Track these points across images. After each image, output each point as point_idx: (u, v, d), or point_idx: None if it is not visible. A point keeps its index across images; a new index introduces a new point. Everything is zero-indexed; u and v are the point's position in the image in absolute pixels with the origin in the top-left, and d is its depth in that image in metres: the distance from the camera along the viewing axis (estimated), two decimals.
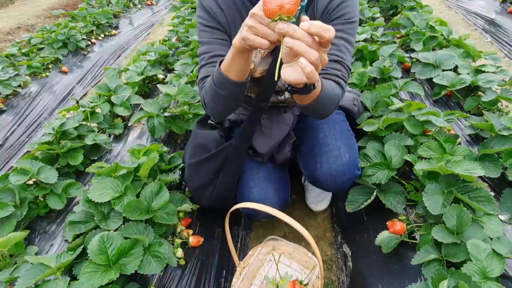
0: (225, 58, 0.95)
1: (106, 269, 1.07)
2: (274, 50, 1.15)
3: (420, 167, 1.26)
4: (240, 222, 1.69)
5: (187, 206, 1.40)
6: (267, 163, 1.38)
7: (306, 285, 1.30)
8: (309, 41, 0.62)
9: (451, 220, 1.10)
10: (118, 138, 2.01)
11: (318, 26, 0.61)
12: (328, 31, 0.61)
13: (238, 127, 1.41)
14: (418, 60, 2.03)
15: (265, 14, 0.64)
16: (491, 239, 1.08)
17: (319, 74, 0.85)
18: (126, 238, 1.16)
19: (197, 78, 2.22)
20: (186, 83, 2.06)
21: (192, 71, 2.25)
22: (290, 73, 0.69)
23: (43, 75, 3.08)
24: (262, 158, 1.35)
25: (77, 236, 1.32)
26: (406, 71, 2.18)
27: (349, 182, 1.32)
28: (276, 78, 0.71)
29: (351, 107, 1.55)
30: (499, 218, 1.28)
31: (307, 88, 0.82)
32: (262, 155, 1.33)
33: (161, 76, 2.46)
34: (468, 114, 1.48)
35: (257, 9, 0.71)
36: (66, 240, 1.42)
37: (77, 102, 1.95)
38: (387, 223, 1.33)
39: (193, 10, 3.44)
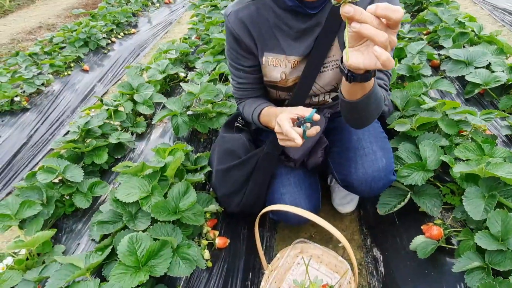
0: (266, 118, 1.18)
1: (135, 270, 1.06)
2: (305, 58, 1.14)
3: (458, 170, 1.20)
4: (265, 224, 1.65)
5: (213, 207, 1.37)
6: (298, 168, 1.34)
7: None
8: (375, 23, 0.59)
9: (495, 225, 1.04)
10: (140, 136, 2.00)
11: (384, 7, 0.58)
12: (395, 11, 0.58)
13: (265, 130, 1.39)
14: (448, 57, 1.95)
15: None
16: None
17: None
18: (154, 239, 1.15)
19: (219, 77, 2.21)
20: (208, 81, 2.04)
21: (214, 69, 2.22)
22: (359, 59, 0.67)
23: (65, 73, 3.11)
24: (295, 164, 1.31)
25: (104, 236, 1.31)
26: (435, 69, 2.10)
27: (384, 187, 1.28)
28: (346, 61, 0.69)
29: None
30: None
31: (368, 74, 0.79)
32: (294, 161, 1.30)
33: (182, 74, 2.45)
34: (506, 114, 1.41)
35: (277, 128, 1.00)
36: (92, 240, 1.41)
37: (101, 100, 1.95)
38: (422, 227, 1.27)
39: (213, 8, 3.42)
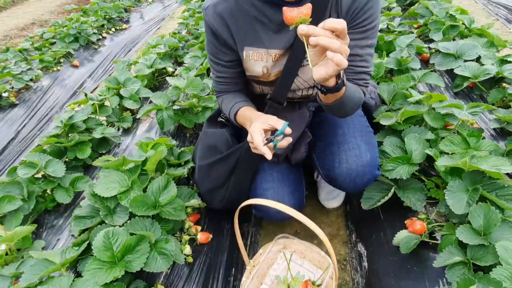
0: (241, 119, 1.19)
1: (111, 266, 1.03)
2: (286, 51, 1.12)
3: (442, 163, 1.18)
4: (250, 219, 1.63)
5: (195, 202, 1.35)
6: (282, 163, 1.31)
7: (319, 285, 1.24)
8: (328, 34, 0.71)
9: (477, 220, 1.02)
10: (127, 131, 1.97)
11: (329, 21, 0.71)
12: (339, 23, 0.71)
13: None
14: (437, 50, 1.92)
15: (287, 21, 0.76)
16: None
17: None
18: (132, 234, 1.12)
19: (207, 71, 2.18)
20: (195, 76, 2.01)
21: (202, 64, 2.20)
22: (321, 71, 0.78)
23: (55, 69, 3.08)
24: (278, 159, 1.28)
25: (84, 231, 1.28)
26: (425, 63, 2.08)
27: (369, 183, 1.26)
28: (314, 80, 0.84)
29: (368, 100, 1.47)
30: None
31: (338, 86, 0.89)
32: (277, 156, 1.27)
33: (170, 69, 2.42)
34: (494, 107, 1.39)
35: (249, 137, 1.04)
36: (73, 235, 1.39)
37: (86, 95, 1.92)
38: (405, 221, 1.25)
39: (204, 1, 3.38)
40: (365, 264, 1.34)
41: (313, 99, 1.31)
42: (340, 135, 1.25)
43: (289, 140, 1.01)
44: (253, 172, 1.31)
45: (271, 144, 1.00)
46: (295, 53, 1.10)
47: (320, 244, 1.48)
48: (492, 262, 0.94)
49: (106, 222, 1.15)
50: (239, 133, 1.37)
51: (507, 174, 1.32)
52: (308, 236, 1.53)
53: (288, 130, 0.99)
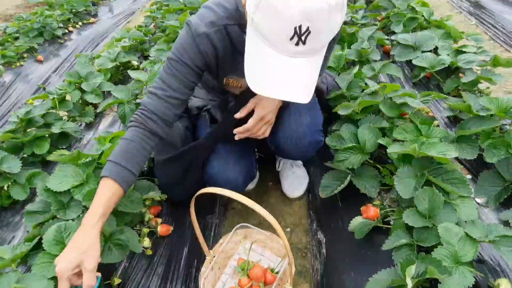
0: (98, 190, 1.02)
1: None
2: None
3: (392, 150, 1.21)
4: (214, 210, 1.63)
5: (153, 194, 1.34)
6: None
7: (277, 273, 1.26)
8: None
9: (422, 203, 1.06)
10: (89, 126, 1.93)
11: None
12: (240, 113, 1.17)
13: (205, 112, 1.36)
14: (398, 42, 1.97)
15: None
16: (466, 222, 1.04)
17: None
18: None
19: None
20: (159, 69, 1.98)
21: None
22: None
23: (18, 64, 2.98)
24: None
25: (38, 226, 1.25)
26: (387, 54, 2.12)
27: (311, 146, 1.31)
28: None
29: (319, 85, 1.51)
30: (475, 201, 1.24)
31: None
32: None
33: (135, 63, 2.38)
34: (444, 95, 1.44)
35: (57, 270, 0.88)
36: (28, 232, 1.35)
37: (44, 89, 1.87)
38: (361, 208, 1.29)
39: None
40: (324, 251, 1.37)
41: None
42: (285, 107, 1.28)
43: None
44: None
45: None
46: None
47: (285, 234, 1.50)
48: (435, 242, 0.98)
49: (58, 216, 1.13)
50: (195, 123, 1.37)
51: (458, 160, 1.37)
52: (271, 226, 1.54)
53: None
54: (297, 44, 0.79)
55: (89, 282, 0.89)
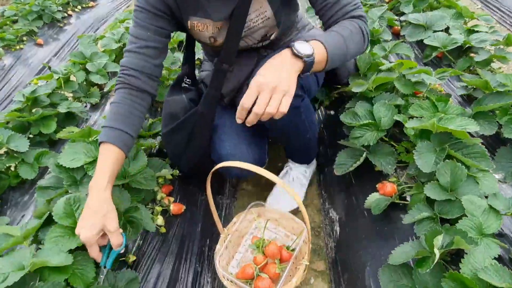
0: (99, 156, 1.04)
1: (74, 232, 0.99)
2: (229, 18, 1.08)
3: (411, 125, 1.19)
4: (224, 191, 1.62)
5: (166, 172, 1.32)
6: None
7: (293, 250, 1.25)
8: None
9: (444, 176, 1.05)
10: (94, 107, 1.90)
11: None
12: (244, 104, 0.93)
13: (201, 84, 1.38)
14: (408, 22, 1.94)
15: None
16: (486, 197, 1.03)
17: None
18: None
19: (178, 45, 2.11)
20: None
21: (172, 37, 2.13)
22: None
23: (17, 47, 2.92)
24: (224, 100, 1.26)
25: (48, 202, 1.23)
26: (396, 36, 2.09)
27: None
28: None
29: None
30: (494, 177, 1.23)
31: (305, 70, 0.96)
32: (223, 96, 1.24)
33: None
34: (461, 72, 1.42)
35: (82, 238, 0.92)
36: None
37: (50, 68, 1.82)
38: (377, 185, 1.27)
39: None
40: (337, 229, 1.36)
41: (266, 46, 1.28)
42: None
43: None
44: (210, 133, 1.30)
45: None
46: (237, 20, 1.08)
47: (293, 211, 1.49)
48: (458, 215, 0.97)
49: (70, 192, 1.10)
50: (201, 95, 1.34)
51: (473, 137, 1.36)
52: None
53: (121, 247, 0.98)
54: None
55: (117, 242, 0.95)
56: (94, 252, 0.94)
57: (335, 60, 1.03)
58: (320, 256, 1.36)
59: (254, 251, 1.26)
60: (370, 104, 1.41)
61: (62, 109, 1.66)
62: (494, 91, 1.30)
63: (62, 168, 1.17)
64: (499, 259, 0.95)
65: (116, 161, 1.03)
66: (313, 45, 0.97)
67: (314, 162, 1.63)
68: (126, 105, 1.09)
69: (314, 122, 1.36)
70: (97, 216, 0.93)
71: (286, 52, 0.95)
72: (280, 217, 1.36)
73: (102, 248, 0.99)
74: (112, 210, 0.96)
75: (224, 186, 1.64)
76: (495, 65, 1.71)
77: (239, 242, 1.37)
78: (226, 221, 1.51)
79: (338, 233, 1.35)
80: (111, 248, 0.98)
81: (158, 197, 1.35)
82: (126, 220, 1.09)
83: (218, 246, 1.27)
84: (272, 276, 1.19)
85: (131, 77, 1.09)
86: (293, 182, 1.53)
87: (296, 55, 0.94)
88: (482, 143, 1.17)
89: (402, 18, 2.08)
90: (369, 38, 1.14)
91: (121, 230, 0.98)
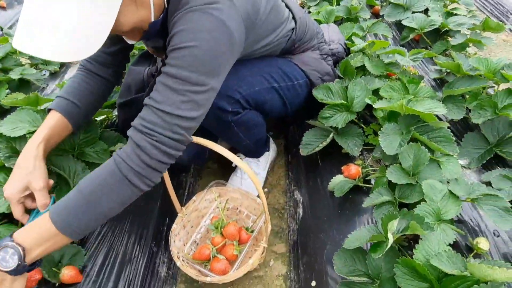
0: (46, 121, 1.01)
1: None
2: None
3: (379, 105, 1.15)
4: (189, 170, 1.55)
5: (121, 145, 1.23)
6: None
7: (252, 231, 1.21)
8: None
9: (407, 159, 1.01)
10: (54, 76, 1.78)
11: None
12: None
13: None
14: (389, 2, 1.88)
15: None
16: (448, 182, 1.01)
17: None
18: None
19: None
20: None
21: None
22: None
23: None
24: None
25: None
26: (375, 15, 2.03)
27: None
28: None
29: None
30: (458, 162, 1.20)
31: None
32: None
33: None
34: (434, 54, 1.37)
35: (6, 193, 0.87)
36: None
37: (1, 29, 1.68)
38: (342, 168, 1.23)
39: None
40: (301, 211, 1.32)
41: None
42: None
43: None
44: None
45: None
46: None
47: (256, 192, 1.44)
48: (417, 199, 0.94)
49: (7, 165, 1.01)
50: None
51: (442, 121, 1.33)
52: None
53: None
54: None
55: (42, 201, 0.89)
56: (18, 212, 0.89)
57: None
58: (282, 239, 1.33)
59: (213, 232, 1.22)
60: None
61: (14, 75, 1.54)
62: (466, 75, 1.26)
63: (3, 137, 1.08)
64: (456, 246, 0.94)
65: (56, 125, 1.00)
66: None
67: (271, 150, 1.53)
68: (79, 80, 1.10)
69: (255, 133, 1.25)
70: (22, 173, 0.89)
71: None
72: (241, 197, 1.31)
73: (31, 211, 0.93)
74: (40, 167, 0.91)
75: (189, 164, 1.57)
76: (471, 50, 1.68)
77: (199, 222, 1.32)
78: (189, 200, 1.45)
79: (301, 215, 1.31)
80: (39, 211, 0.92)
81: None
82: None
83: (174, 226, 1.21)
84: (230, 258, 1.16)
85: (86, 61, 1.12)
86: (245, 172, 1.45)
87: None
88: (449, 128, 1.14)
89: None
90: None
91: (52, 195, 0.95)
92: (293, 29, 1.14)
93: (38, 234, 0.75)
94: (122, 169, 0.78)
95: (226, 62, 0.84)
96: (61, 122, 1.01)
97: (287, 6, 1.15)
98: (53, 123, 1.00)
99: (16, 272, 0.73)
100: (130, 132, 0.81)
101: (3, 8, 2.85)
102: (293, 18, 1.15)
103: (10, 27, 2.71)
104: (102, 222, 0.85)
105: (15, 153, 1.07)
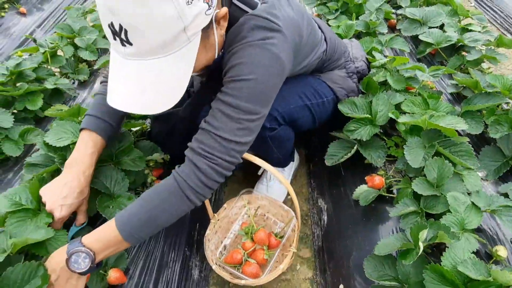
0: (80, 139, 1.07)
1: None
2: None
3: (403, 120, 1.22)
4: None
5: (157, 155, 1.30)
6: None
7: (281, 237, 1.27)
8: None
9: (432, 172, 1.08)
10: (83, 85, 1.85)
11: None
12: None
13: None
14: (404, 16, 1.95)
15: None
16: (469, 194, 1.08)
17: None
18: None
19: None
20: None
21: None
22: None
23: None
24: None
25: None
26: (392, 29, 2.10)
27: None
28: None
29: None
30: (478, 175, 1.27)
31: None
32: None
33: None
34: (454, 70, 1.44)
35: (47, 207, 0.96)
36: None
37: (35, 41, 1.75)
38: (365, 178, 1.30)
39: None
40: (325, 218, 1.39)
41: None
42: None
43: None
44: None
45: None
46: None
47: (284, 201, 1.51)
48: (442, 210, 1.01)
49: (62, 169, 1.08)
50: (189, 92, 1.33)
51: (461, 135, 1.40)
52: None
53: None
54: (122, 44, 0.71)
55: (83, 220, 1.05)
56: (58, 226, 0.99)
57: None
58: (307, 244, 1.40)
59: (243, 237, 1.29)
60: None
61: (49, 85, 1.61)
62: (483, 92, 1.33)
63: (51, 147, 1.15)
64: (477, 253, 1.01)
65: (100, 149, 1.07)
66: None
67: (295, 160, 1.61)
68: None
69: (286, 146, 1.33)
70: (79, 199, 1.00)
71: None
72: (269, 204, 1.38)
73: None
74: (88, 190, 1.04)
75: None
76: (485, 65, 1.75)
77: (229, 228, 1.38)
78: (215, 206, 1.52)
79: (325, 222, 1.38)
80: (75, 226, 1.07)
81: (149, 180, 1.33)
82: (117, 206, 1.09)
83: (207, 231, 1.28)
84: (260, 262, 1.22)
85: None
86: (270, 180, 1.53)
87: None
88: (468, 142, 1.21)
89: (398, 12, 2.08)
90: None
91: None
92: (324, 50, 1.22)
93: (106, 241, 0.84)
94: (183, 187, 0.86)
95: (277, 90, 0.93)
96: (98, 140, 1.06)
97: (319, 27, 1.22)
98: (99, 146, 1.06)
99: (86, 273, 0.84)
100: (188, 153, 0.89)
101: (23, 14, 2.93)
102: (325, 39, 1.22)
103: (31, 34, 2.79)
104: (158, 231, 0.93)
105: (65, 160, 1.14)
